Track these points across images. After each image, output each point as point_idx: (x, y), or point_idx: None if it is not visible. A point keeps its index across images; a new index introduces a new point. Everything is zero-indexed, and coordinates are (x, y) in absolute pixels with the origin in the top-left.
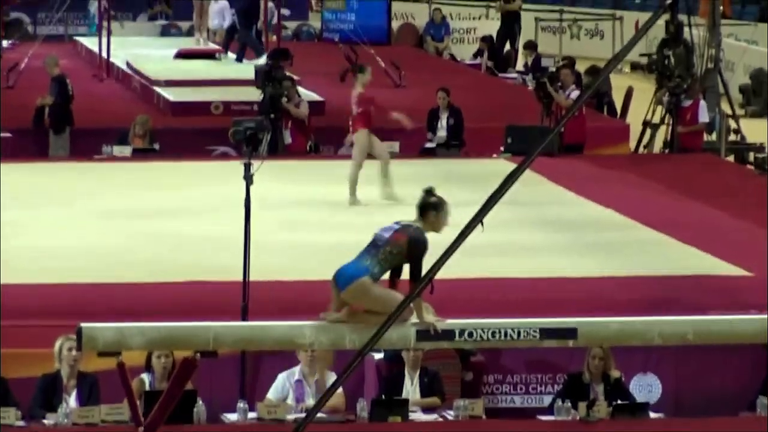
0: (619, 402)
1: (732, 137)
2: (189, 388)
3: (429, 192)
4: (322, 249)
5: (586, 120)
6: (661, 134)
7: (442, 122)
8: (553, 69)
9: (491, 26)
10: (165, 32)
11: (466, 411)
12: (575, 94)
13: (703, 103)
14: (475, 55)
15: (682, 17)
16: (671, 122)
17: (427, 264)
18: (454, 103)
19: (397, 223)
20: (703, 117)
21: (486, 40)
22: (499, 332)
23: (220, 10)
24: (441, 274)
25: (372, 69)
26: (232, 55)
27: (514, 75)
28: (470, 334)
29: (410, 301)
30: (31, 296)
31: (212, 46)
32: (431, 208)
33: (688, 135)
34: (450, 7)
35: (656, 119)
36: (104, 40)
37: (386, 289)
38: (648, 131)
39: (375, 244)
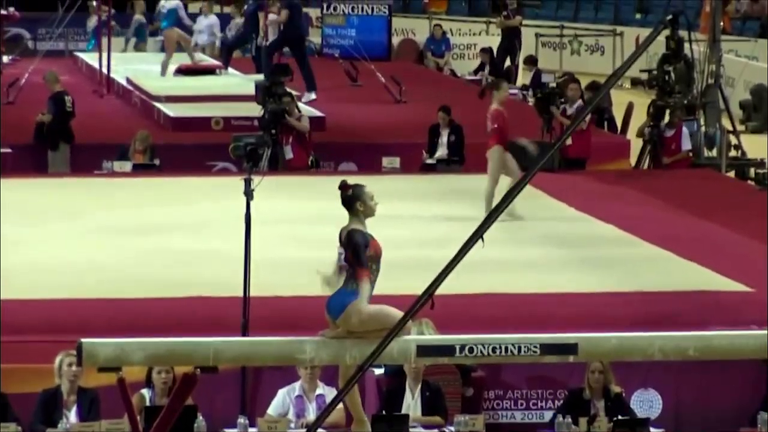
0: (619, 417)
1: (732, 153)
2: (189, 403)
3: (343, 187)
4: (323, 265)
5: (591, 135)
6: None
7: (443, 139)
8: (554, 84)
9: (492, 42)
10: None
11: (467, 427)
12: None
13: (685, 131)
14: (476, 71)
15: (683, 33)
16: (654, 153)
17: (427, 280)
18: (455, 120)
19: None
20: (686, 145)
21: (486, 51)
22: (500, 347)
23: (209, 26)
24: (441, 290)
25: (372, 83)
26: (233, 71)
27: (515, 91)
28: (471, 350)
29: (411, 316)
30: (32, 312)
31: (213, 61)
32: (354, 199)
33: (674, 164)
34: (450, 22)
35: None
36: (104, 55)
37: (379, 306)
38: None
39: (347, 271)
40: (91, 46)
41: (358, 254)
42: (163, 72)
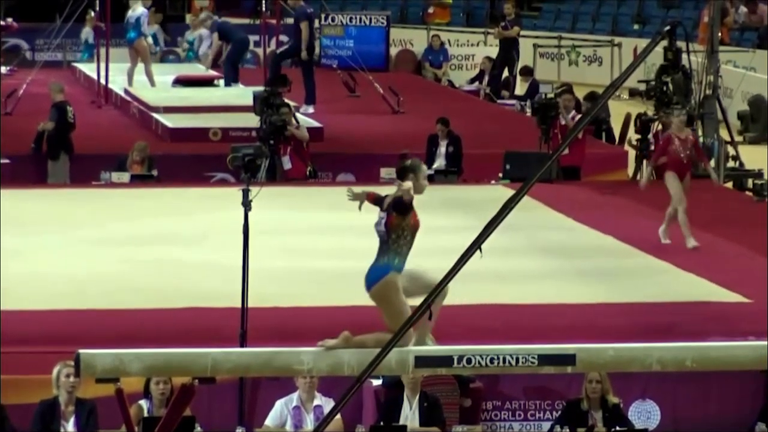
0: (617, 428)
1: (730, 164)
2: (187, 414)
3: (404, 156)
4: (321, 275)
5: (586, 145)
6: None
7: (441, 150)
8: (551, 95)
9: (489, 53)
10: (162, 59)
11: None
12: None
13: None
14: (474, 79)
15: (681, 44)
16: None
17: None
18: (453, 131)
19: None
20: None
21: (489, 60)
22: (498, 358)
23: (208, 36)
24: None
25: (370, 94)
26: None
27: (513, 101)
28: (468, 360)
29: (410, 327)
30: (29, 323)
31: (210, 72)
32: (409, 170)
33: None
34: (448, 33)
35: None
36: (102, 66)
37: (406, 302)
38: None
39: (382, 241)
40: (85, 56)
41: (404, 209)
42: (152, 82)
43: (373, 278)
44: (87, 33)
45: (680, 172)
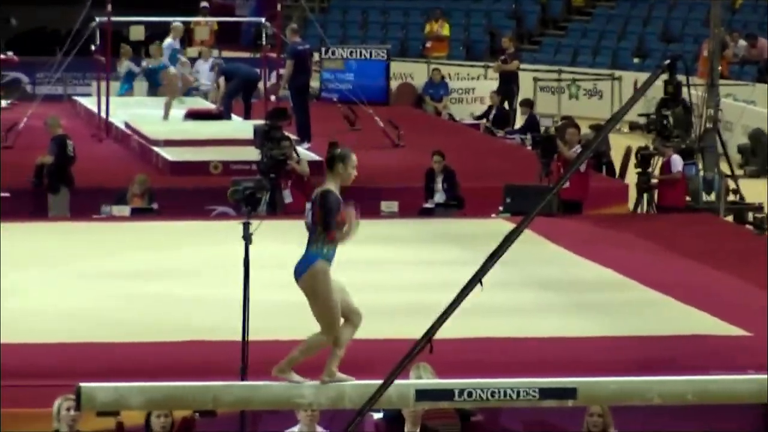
0: None
1: (731, 197)
2: None
3: (334, 144)
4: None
5: (589, 178)
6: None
7: (438, 185)
8: (552, 129)
9: (489, 86)
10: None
11: None
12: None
13: (674, 158)
14: (482, 116)
15: (681, 77)
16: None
17: (426, 324)
18: (448, 165)
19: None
20: (677, 168)
21: (496, 94)
22: (499, 392)
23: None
24: (440, 334)
25: (371, 127)
26: (236, 117)
27: (513, 135)
28: (470, 394)
29: (410, 360)
30: (30, 356)
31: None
32: (338, 159)
33: (668, 190)
34: (448, 67)
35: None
36: (103, 100)
37: (334, 292)
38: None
39: (310, 232)
40: (125, 89)
41: (329, 216)
42: (166, 115)
43: (303, 268)
44: (126, 66)
45: None
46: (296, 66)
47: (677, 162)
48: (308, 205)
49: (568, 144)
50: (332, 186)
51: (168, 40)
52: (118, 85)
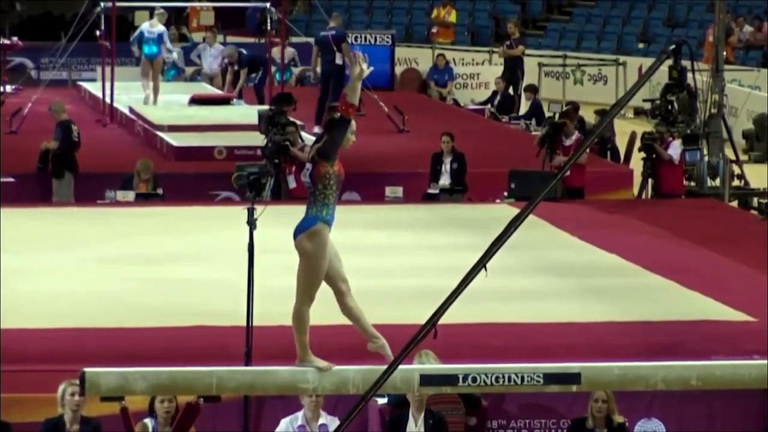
0: None
1: (735, 182)
2: None
3: (333, 108)
4: (325, 294)
5: (585, 168)
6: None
7: (446, 167)
8: (556, 116)
9: (494, 72)
10: (192, 78)
11: None
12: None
13: (675, 143)
14: (487, 101)
15: (686, 63)
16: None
17: (430, 309)
18: (457, 148)
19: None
20: (674, 154)
21: (501, 80)
22: (503, 377)
23: (218, 54)
24: (444, 320)
25: (375, 113)
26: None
27: (517, 120)
28: (474, 379)
29: (414, 345)
30: (34, 341)
31: (217, 92)
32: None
33: (667, 175)
34: (453, 52)
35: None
36: (107, 85)
37: (326, 260)
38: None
39: (309, 192)
40: (171, 74)
41: (334, 144)
42: (155, 101)
43: (301, 228)
44: (174, 55)
45: None
46: (320, 52)
47: (675, 147)
48: (308, 165)
49: (566, 133)
50: None
51: (160, 27)
52: (124, 70)
